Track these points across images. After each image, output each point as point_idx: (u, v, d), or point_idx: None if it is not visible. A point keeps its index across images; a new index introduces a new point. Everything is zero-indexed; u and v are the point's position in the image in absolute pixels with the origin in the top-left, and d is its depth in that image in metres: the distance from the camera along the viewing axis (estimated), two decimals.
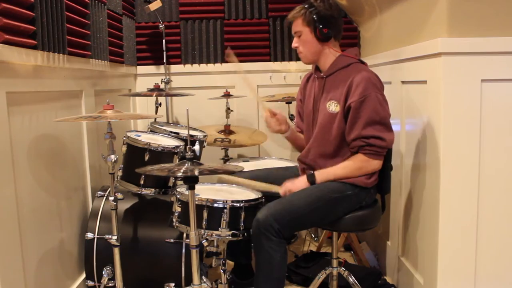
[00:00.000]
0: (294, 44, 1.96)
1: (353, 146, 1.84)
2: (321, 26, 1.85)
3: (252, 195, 1.92)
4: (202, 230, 1.78)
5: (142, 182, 2.05)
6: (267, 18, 3.28)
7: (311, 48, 1.92)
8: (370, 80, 1.80)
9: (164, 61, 3.17)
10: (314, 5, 1.87)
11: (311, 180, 1.87)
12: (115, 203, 1.87)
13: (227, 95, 2.99)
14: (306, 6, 1.88)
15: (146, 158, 2.02)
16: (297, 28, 1.91)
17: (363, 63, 1.95)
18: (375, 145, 1.79)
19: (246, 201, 1.83)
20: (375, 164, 1.84)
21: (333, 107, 1.87)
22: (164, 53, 3.15)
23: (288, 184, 1.88)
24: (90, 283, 2.14)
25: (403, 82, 2.27)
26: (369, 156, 1.81)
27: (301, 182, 1.88)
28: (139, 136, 2.13)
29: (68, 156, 2.14)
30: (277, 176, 2.13)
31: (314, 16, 1.85)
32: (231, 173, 2.11)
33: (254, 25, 3.28)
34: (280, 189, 1.88)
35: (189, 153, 1.61)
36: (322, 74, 1.95)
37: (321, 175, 1.88)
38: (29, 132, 1.78)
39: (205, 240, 1.83)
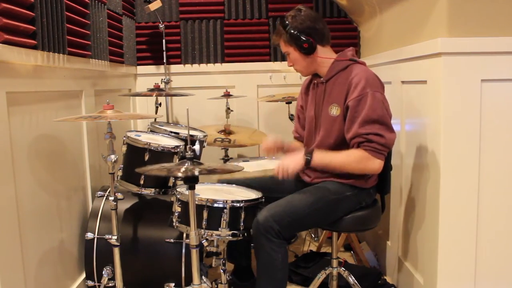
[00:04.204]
0: (288, 63, 2.00)
1: (352, 144, 1.82)
2: (300, 42, 1.86)
3: (252, 195, 1.92)
4: (202, 230, 1.78)
5: (142, 182, 2.05)
6: (267, 18, 3.28)
7: (302, 63, 1.94)
8: (368, 79, 1.79)
9: (164, 61, 3.17)
10: (288, 23, 1.87)
11: (307, 162, 1.82)
12: (115, 203, 1.87)
13: (227, 95, 2.99)
14: (282, 26, 1.90)
15: (146, 158, 2.02)
16: (284, 49, 1.95)
17: (359, 62, 1.93)
18: (374, 141, 1.75)
19: (246, 201, 1.83)
20: (376, 164, 1.78)
21: (334, 110, 1.87)
22: (164, 53, 3.15)
23: (283, 162, 1.83)
24: (90, 283, 2.14)
25: (403, 82, 2.27)
26: (369, 152, 1.76)
27: (297, 163, 1.83)
28: (139, 136, 2.13)
29: (68, 156, 2.14)
30: (273, 183, 2.12)
31: (291, 34, 1.87)
32: (231, 173, 2.12)
33: (254, 25, 3.28)
34: (274, 169, 1.84)
35: (189, 153, 1.61)
36: (321, 79, 1.95)
37: (317, 157, 1.83)
38: (29, 132, 1.78)
39: (205, 240, 1.83)
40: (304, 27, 1.86)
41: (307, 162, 1.82)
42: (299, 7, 1.91)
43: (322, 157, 1.84)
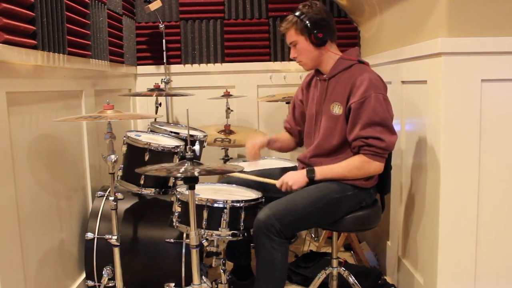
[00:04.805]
0: (293, 54, 1.96)
1: (353, 146, 1.84)
2: (315, 32, 1.85)
3: (252, 195, 1.92)
4: (202, 230, 1.78)
5: (142, 182, 2.05)
6: (267, 18, 3.28)
7: (309, 55, 1.92)
8: (371, 81, 1.79)
9: (164, 61, 3.17)
10: (304, 12, 1.86)
11: (310, 175, 1.86)
12: (115, 203, 1.87)
13: (227, 95, 2.99)
14: (296, 14, 1.87)
15: (146, 158, 2.02)
16: (292, 38, 1.91)
17: (364, 63, 1.94)
18: (374, 146, 1.78)
19: (246, 201, 1.83)
20: (376, 166, 1.82)
21: (337, 109, 1.87)
22: (164, 53, 3.15)
23: (287, 177, 1.87)
24: (90, 283, 2.15)
25: (403, 82, 2.27)
26: (368, 156, 1.80)
27: (300, 177, 1.87)
28: (139, 136, 2.13)
29: (68, 156, 2.14)
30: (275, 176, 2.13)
31: (306, 23, 1.85)
32: (231, 173, 2.12)
33: (254, 25, 3.28)
34: (277, 181, 1.88)
35: (189, 153, 1.61)
36: (324, 76, 1.95)
37: (320, 171, 1.87)
38: (29, 132, 1.78)
39: (205, 240, 1.83)
40: (319, 18, 1.86)
41: (311, 180, 1.86)
42: (313, 1, 1.90)
43: (324, 173, 1.87)
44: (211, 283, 2.05)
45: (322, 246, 2.90)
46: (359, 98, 1.78)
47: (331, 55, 1.92)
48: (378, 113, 1.77)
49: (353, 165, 1.83)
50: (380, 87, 1.82)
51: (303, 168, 2.04)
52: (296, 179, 1.86)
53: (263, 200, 1.90)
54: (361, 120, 1.78)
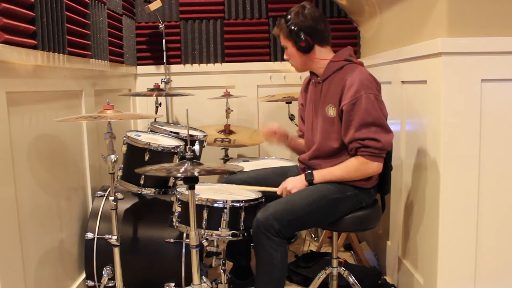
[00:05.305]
0: (285, 57, 1.99)
1: (350, 148, 1.83)
2: (298, 40, 1.86)
3: (252, 195, 1.92)
4: (202, 230, 1.78)
5: (142, 182, 2.05)
6: (267, 18, 3.28)
7: (297, 60, 1.94)
8: (361, 81, 1.78)
9: (164, 61, 3.17)
10: (291, 19, 1.87)
11: (309, 179, 1.86)
12: (115, 203, 1.87)
13: (227, 95, 2.99)
14: (285, 20, 1.89)
15: (146, 158, 2.02)
16: (282, 42, 1.95)
17: (355, 62, 1.93)
18: (371, 147, 1.77)
19: (246, 201, 1.83)
20: (375, 166, 1.81)
21: (331, 111, 1.87)
22: (164, 53, 3.15)
23: (286, 182, 1.88)
24: (90, 283, 2.15)
25: (403, 82, 2.27)
26: (366, 157, 1.79)
27: (298, 181, 1.87)
28: (139, 136, 2.13)
29: (68, 156, 2.14)
30: (275, 177, 2.13)
31: (290, 30, 1.86)
32: (231, 173, 2.12)
33: (254, 25, 3.28)
34: (278, 189, 1.88)
35: (189, 153, 1.61)
36: (318, 78, 1.95)
37: (319, 174, 1.87)
38: (29, 132, 1.78)
39: (205, 240, 1.83)
40: (305, 25, 1.85)
41: (310, 183, 1.86)
42: (304, 4, 1.89)
43: (323, 176, 1.87)
44: (211, 283, 2.05)
45: (322, 246, 2.90)
46: (350, 99, 1.77)
47: (320, 61, 1.91)
48: (371, 113, 1.76)
49: (351, 167, 1.83)
50: (371, 86, 1.80)
51: (304, 168, 2.04)
52: (294, 183, 1.87)
53: (263, 200, 1.90)
54: (355, 121, 1.77)
